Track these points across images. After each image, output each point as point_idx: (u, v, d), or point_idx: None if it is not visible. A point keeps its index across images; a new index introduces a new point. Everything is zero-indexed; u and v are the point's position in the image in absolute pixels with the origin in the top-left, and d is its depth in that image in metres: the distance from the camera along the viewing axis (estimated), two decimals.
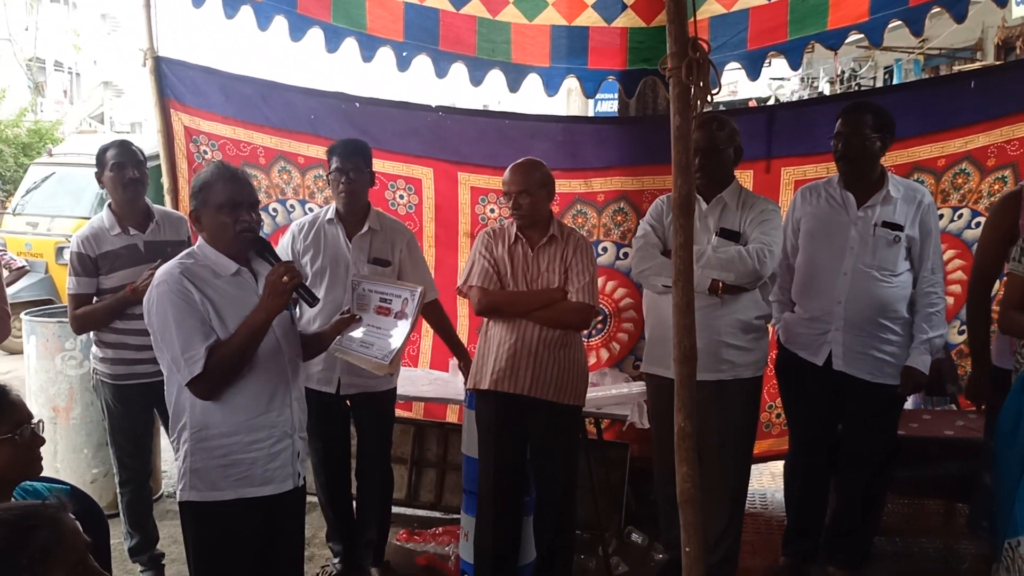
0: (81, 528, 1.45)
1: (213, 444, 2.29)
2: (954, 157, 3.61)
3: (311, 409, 3.01)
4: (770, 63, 3.96)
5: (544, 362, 2.99)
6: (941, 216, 3.66)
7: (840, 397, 3.19)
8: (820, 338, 3.17)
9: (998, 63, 9.18)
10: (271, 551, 2.43)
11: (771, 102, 12.77)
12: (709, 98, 1.96)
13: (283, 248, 3.34)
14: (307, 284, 3.23)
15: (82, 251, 3.21)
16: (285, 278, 2.24)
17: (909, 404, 3.78)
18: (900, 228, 3.08)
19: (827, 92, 14.76)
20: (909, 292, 3.13)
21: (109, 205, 3.32)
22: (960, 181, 3.65)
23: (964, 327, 3.83)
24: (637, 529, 3.89)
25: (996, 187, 3.60)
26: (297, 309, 3.18)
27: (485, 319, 3.15)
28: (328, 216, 3.30)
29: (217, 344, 2.22)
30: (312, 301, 2.39)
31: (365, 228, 3.27)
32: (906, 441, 3.44)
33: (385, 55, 3.76)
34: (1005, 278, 2.93)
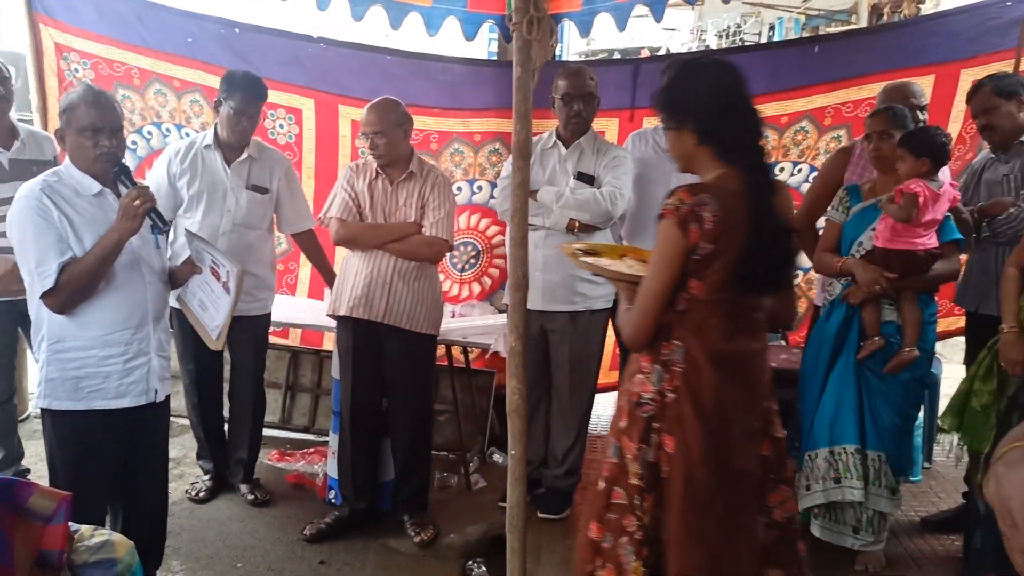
0: None
1: (68, 356, 2.40)
2: (796, 116, 3.96)
3: (186, 331, 3.12)
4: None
5: (398, 292, 3.17)
6: (782, 169, 4.02)
7: None
8: None
9: (841, 30, 9.64)
10: (132, 464, 2.56)
11: (663, 51, 13.11)
12: (549, 55, 2.14)
13: (159, 171, 3.38)
14: (184, 207, 3.31)
15: None
16: (137, 202, 2.33)
17: None
18: None
19: (714, 45, 15.30)
20: None
21: None
22: (800, 138, 4.00)
23: (797, 271, 4.23)
24: (500, 450, 4.16)
25: (832, 145, 3.97)
26: (172, 234, 3.26)
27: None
28: (206, 142, 3.35)
29: (71, 261, 2.32)
30: (163, 226, 2.48)
31: (244, 155, 3.34)
32: None
33: None
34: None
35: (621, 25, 3.96)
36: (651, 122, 4.05)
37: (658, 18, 4.04)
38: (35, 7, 3.95)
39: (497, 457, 4.14)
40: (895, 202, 2.88)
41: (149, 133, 4.16)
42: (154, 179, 3.36)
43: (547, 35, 2.12)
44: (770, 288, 1.97)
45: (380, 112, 3.14)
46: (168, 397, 2.65)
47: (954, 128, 3.90)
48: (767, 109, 3.93)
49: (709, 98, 1.92)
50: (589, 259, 2.07)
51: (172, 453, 3.79)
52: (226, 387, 3.70)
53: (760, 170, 1.95)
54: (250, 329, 3.47)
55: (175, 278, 2.73)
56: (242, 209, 3.35)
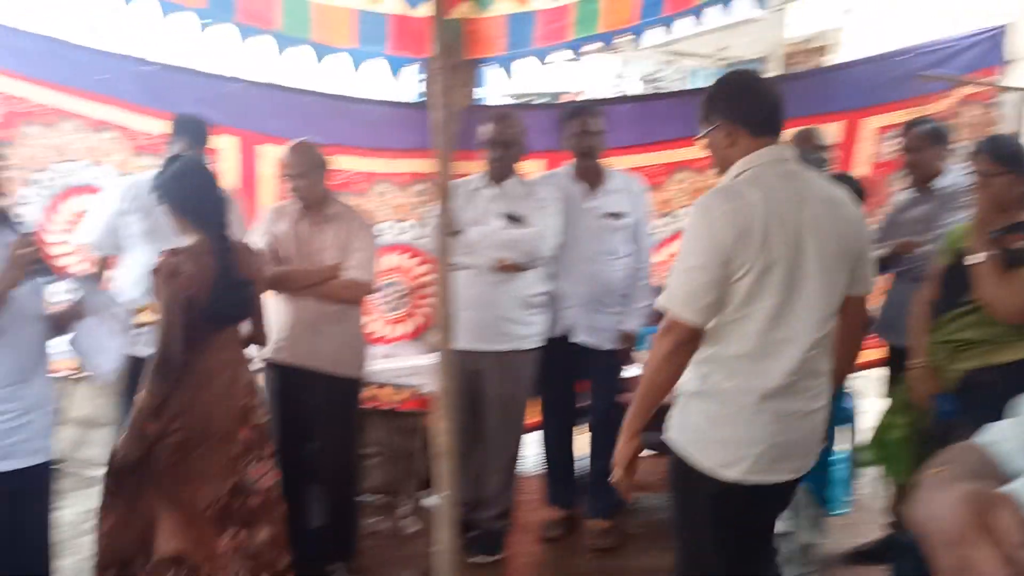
0: None
1: None
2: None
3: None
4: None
5: (321, 335, 3.13)
6: None
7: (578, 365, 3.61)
8: (561, 313, 3.53)
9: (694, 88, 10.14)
10: (15, 527, 2.38)
11: (583, 96, 13.42)
12: (469, 97, 2.16)
13: (106, 205, 3.37)
14: (123, 245, 3.20)
15: None
16: (19, 251, 2.22)
17: None
18: (621, 216, 3.51)
19: (638, 91, 15.80)
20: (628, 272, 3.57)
21: None
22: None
23: None
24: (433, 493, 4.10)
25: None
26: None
27: None
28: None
29: None
30: (48, 276, 2.35)
31: None
32: (664, 407, 3.85)
33: (187, 17, 3.68)
34: None
35: (543, 60, 4.07)
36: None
37: (577, 58, 4.20)
38: None
39: (429, 500, 4.07)
40: None
41: (70, 171, 3.98)
42: (99, 213, 3.38)
43: (470, 80, 2.14)
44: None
45: (299, 155, 3.13)
46: (51, 459, 2.49)
47: (860, 172, 4.10)
48: (683, 154, 4.12)
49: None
50: None
51: (86, 505, 3.61)
52: None
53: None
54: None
55: (55, 324, 2.53)
56: None
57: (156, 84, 3.88)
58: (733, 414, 2.00)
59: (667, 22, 3.86)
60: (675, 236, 4.25)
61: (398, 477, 3.93)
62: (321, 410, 3.19)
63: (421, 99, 4.22)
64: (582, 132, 3.46)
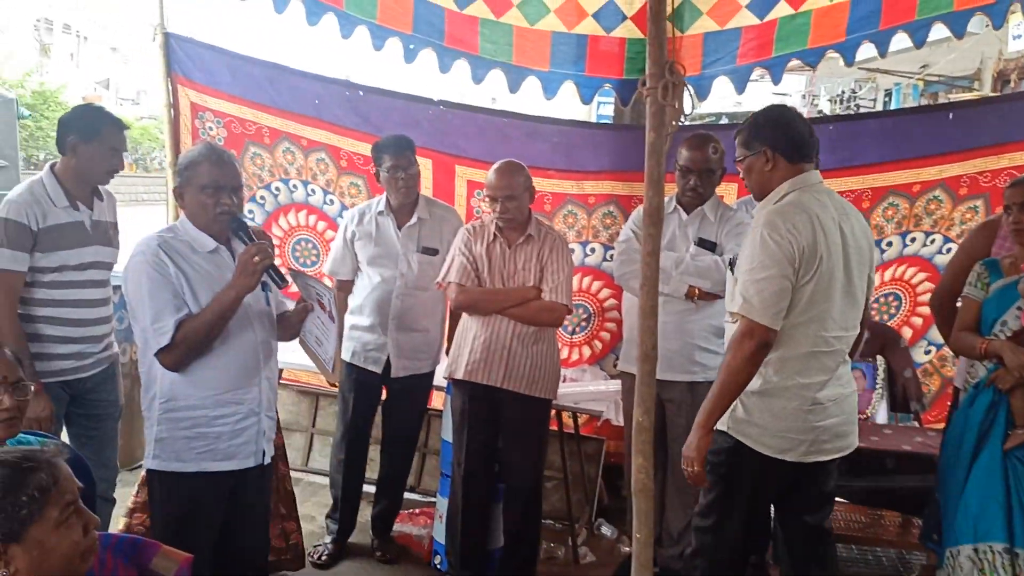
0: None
1: (179, 416, 2.35)
2: (928, 184, 3.76)
3: (353, 386, 3.31)
4: (762, 77, 4.09)
5: (517, 356, 3.12)
6: (913, 239, 3.82)
7: None
8: None
9: (975, 97, 9.31)
10: (234, 525, 2.49)
11: None
12: (683, 118, 2.09)
13: (339, 233, 3.57)
14: (360, 270, 3.41)
15: (22, 221, 2.72)
16: (256, 258, 2.29)
17: (881, 418, 3.95)
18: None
19: (827, 111, 14.91)
20: None
21: (52, 168, 2.87)
22: (933, 207, 3.79)
23: (930, 347, 3.98)
24: (608, 522, 4.01)
25: (968, 215, 3.75)
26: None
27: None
28: (379, 208, 3.48)
29: (187, 318, 2.28)
30: (281, 282, 2.43)
31: (414, 219, 3.44)
32: (866, 453, 3.58)
33: (394, 45, 3.87)
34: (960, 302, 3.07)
35: (740, 87, 3.92)
36: None
37: (776, 80, 3.99)
38: (174, 69, 4.18)
39: (605, 529, 3.99)
40: None
41: (277, 189, 4.30)
42: (336, 243, 3.58)
43: (681, 101, 2.07)
44: None
45: (510, 175, 3.15)
46: (273, 458, 2.60)
47: None
48: (897, 177, 3.79)
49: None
50: None
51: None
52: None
53: None
54: (413, 388, 3.54)
55: (289, 325, 2.62)
56: (414, 272, 3.43)
57: (362, 107, 4.10)
58: (794, 408, 2.34)
59: (882, 39, 3.53)
60: (884, 267, 3.94)
61: (575, 503, 3.88)
62: (512, 431, 3.19)
63: (609, 120, 4.19)
64: None
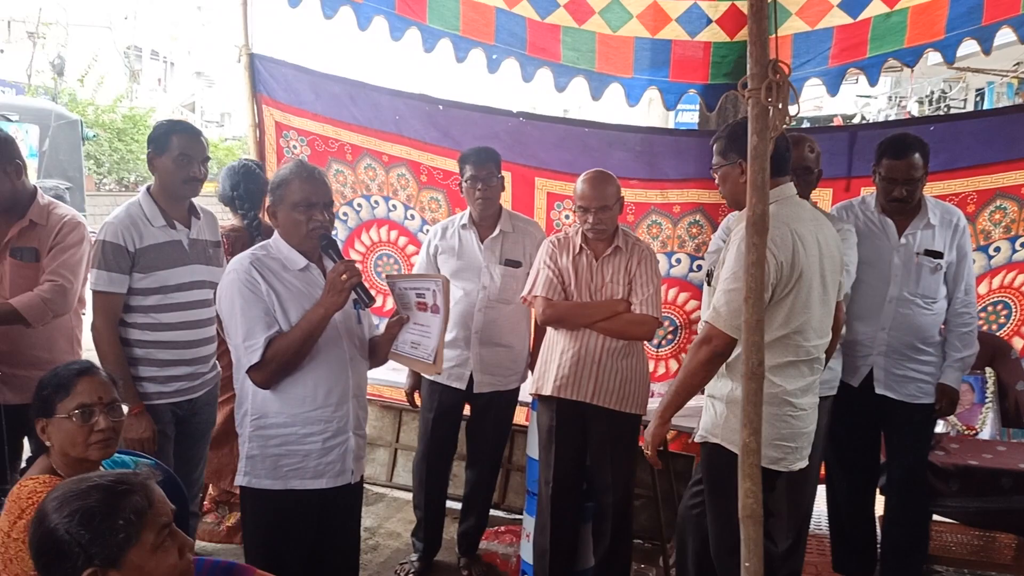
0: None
1: (270, 433, 2.35)
2: None
3: (435, 404, 3.27)
4: (856, 80, 3.92)
5: (606, 371, 3.04)
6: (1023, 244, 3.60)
7: (879, 419, 3.30)
8: (861, 360, 3.22)
9: None
10: (324, 543, 2.46)
11: (856, 119, 12.42)
12: (788, 119, 1.97)
13: (423, 248, 3.55)
14: (447, 284, 3.38)
15: (119, 242, 2.73)
16: (344, 276, 2.28)
17: (986, 434, 3.75)
18: (940, 255, 3.14)
19: (915, 112, 14.29)
20: (943, 317, 3.22)
21: (148, 189, 2.88)
22: None
23: None
24: None
25: None
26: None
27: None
28: (463, 221, 3.46)
29: (277, 335, 2.28)
30: (368, 301, 2.40)
31: (496, 231, 3.41)
32: (979, 472, 3.37)
33: (477, 57, 3.86)
34: None
35: (833, 89, 3.77)
36: (870, 191, 3.76)
37: (872, 81, 3.81)
38: (259, 89, 4.26)
39: None
40: None
41: (359, 205, 4.33)
42: (419, 258, 3.57)
43: (786, 101, 1.96)
44: None
45: (603, 186, 3.06)
46: (362, 476, 2.58)
47: None
48: (1004, 178, 3.57)
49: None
50: None
51: (366, 523, 3.82)
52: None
53: None
54: (498, 404, 3.49)
55: (380, 347, 2.60)
56: (496, 284, 3.39)
57: (442, 122, 4.09)
58: (778, 416, 2.38)
59: (986, 35, 3.34)
60: (992, 273, 3.71)
61: (666, 522, 3.75)
62: (601, 448, 3.11)
63: (679, 127, 4.07)
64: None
